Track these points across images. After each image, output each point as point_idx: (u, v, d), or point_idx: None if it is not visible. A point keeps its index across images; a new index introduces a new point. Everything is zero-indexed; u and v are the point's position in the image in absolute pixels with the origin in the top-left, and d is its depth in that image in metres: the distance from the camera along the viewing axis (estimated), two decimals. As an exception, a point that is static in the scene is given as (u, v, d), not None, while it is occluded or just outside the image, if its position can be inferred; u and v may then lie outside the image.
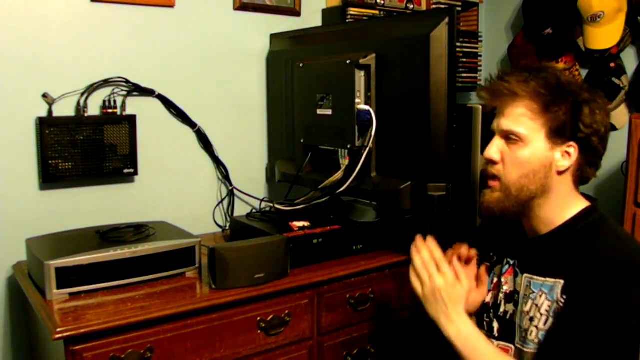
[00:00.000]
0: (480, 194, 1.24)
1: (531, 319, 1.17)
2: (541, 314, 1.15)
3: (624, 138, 1.76)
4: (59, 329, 1.16)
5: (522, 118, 1.15)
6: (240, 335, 1.39)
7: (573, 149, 1.15)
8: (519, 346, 1.20)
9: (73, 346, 1.18)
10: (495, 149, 1.19)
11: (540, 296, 1.16)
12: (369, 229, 1.66)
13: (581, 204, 1.20)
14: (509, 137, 1.17)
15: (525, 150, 1.15)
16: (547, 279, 1.17)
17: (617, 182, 1.95)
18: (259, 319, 1.41)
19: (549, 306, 1.14)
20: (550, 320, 1.13)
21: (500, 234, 1.33)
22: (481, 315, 1.32)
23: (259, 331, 1.41)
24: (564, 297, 1.12)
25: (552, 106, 1.13)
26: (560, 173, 1.16)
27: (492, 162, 1.20)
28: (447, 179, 1.47)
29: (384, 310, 1.63)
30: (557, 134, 1.14)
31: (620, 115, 2.11)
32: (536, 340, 1.15)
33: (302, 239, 1.54)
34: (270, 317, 1.42)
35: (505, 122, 1.17)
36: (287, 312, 1.45)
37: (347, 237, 1.62)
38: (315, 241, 1.56)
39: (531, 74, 1.17)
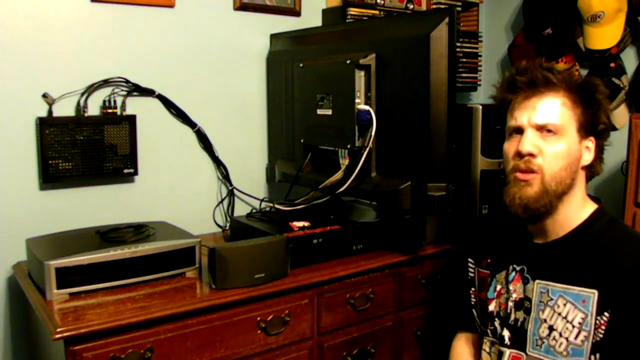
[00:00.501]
0: (508, 192, 1.20)
1: (551, 327, 1.15)
2: (573, 326, 1.13)
3: (624, 138, 1.76)
4: (59, 329, 1.16)
5: (560, 109, 1.16)
6: (240, 335, 1.39)
7: (591, 144, 1.19)
8: (534, 355, 1.18)
9: (73, 346, 1.18)
10: (530, 142, 1.17)
11: (565, 305, 1.14)
12: (369, 229, 1.66)
13: (590, 204, 1.22)
14: (544, 130, 1.17)
15: (563, 142, 1.16)
16: (571, 287, 1.15)
17: (617, 182, 1.95)
18: (259, 319, 1.41)
19: (582, 318, 1.12)
20: (584, 333, 1.12)
21: (499, 238, 1.31)
22: (485, 324, 1.31)
23: (259, 331, 1.41)
24: (608, 312, 1.10)
25: (583, 100, 1.17)
26: (583, 168, 1.19)
27: (530, 156, 1.17)
28: (447, 179, 1.47)
29: (384, 310, 1.63)
30: (584, 128, 1.17)
31: (620, 115, 2.11)
32: (565, 353, 1.13)
33: (302, 239, 1.54)
34: (270, 317, 1.42)
35: (541, 114, 1.17)
36: (287, 312, 1.45)
37: (347, 237, 1.62)
38: (315, 241, 1.56)
39: (551, 70, 1.20)
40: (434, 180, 1.47)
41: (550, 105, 1.17)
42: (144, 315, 1.24)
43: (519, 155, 1.18)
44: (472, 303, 1.38)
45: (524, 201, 1.17)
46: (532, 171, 1.17)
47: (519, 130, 1.20)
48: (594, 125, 1.18)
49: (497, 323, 1.27)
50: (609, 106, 1.21)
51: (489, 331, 1.29)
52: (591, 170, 1.22)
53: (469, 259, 1.40)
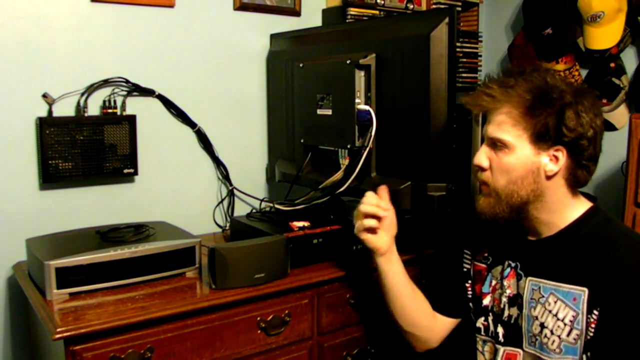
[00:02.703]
0: (475, 199, 1.24)
1: (542, 325, 1.16)
2: (565, 324, 1.13)
3: (624, 138, 1.76)
4: (59, 329, 1.16)
5: (504, 125, 1.15)
6: (241, 335, 1.39)
7: (560, 153, 1.13)
8: (530, 351, 1.19)
9: (73, 346, 1.18)
10: (483, 155, 1.20)
11: (556, 302, 1.15)
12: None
13: (583, 205, 1.20)
14: (495, 144, 1.17)
15: (511, 156, 1.15)
16: (562, 285, 1.15)
17: (617, 182, 1.95)
18: (259, 319, 1.41)
19: (573, 316, 1.12)
20: (575, 331, 1.12)
21: (497, 234, 1.31)
22: (476, 317, 1.32)
23: (259, 331, 1.41)
24: (597, 310, 1.10)
25: (533, 111, 1.12)
26: (549, 177, 1.15)
27: (480, 169, 1.20)
28: (447, 179, 1.47)
29: (384, 310, 1.62)
30: (541, 139, 1.13)
31: (620, 115, 2.11)
32: (558, 350, 1.14)
33: (302, 239, 1.54)
34: (270, 317, 1.42)
35: (490, 129, 1.18)
36: (287, 312, 1.45)
37: (347, 237, 1.61)
38: (315, 241, 1.56)
39: (516, 78, 1.16)
40: (434, 180, 1.47)
41: (497, 120, 1.16)
42: (144, 315, 1.24)
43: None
44: (469, 296, 1.37)
45: (478, 210, 1.22)
46: (484, 183, 1.20)
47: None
48: (557, 135, 1.12)
49: (490, 319, 1.28)
50: (588, 112, 1.11)
51: (481, 327, 1.29)
52: (570, 179, 1.16)
53: (465, 251, 1.40)
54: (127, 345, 1.24)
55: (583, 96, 1.14)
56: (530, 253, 1.23)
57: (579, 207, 1.19)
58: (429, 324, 1.39)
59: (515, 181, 1.15)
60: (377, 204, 1.32)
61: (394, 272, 1.37)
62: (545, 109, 1.12)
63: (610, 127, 2.11)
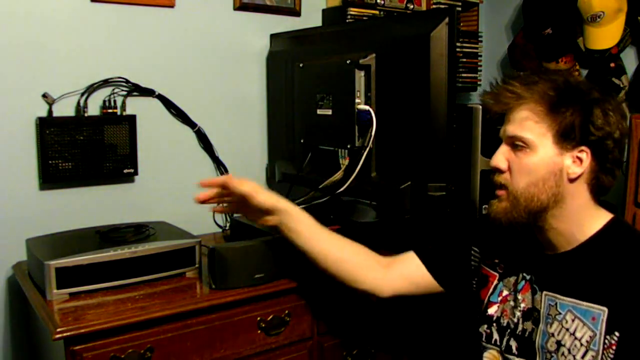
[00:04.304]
0: (488, 204, 1.18)
1: (559, 343, 1.09)
2: (581, 344, 1.06)
3: (624, 138, 1.76)
4: (59, 329, 1.16)
5: (526, 122, 1.08)
6: (241, 335, 1.39)
7: (585, 154, 1.07)
8: None
9: (73, 346, 1.18)
10: (502, 156, 1.12)
11: (573, 320, 1.08)
12: (369, 229, 1.66)
13: (603, 216, 1.13)
14: (515, 144, 1.10)
15: (533, 156, 1.08)
16: (580, 302, 1.08)
17: (617, 182, 1.95)
18: (259, 319, 1.41)
19: (590, 337, 1.06)
20: (591, 353, 1.05)
21: (512, 243, 1.24)
22: (479, 326, 1.26)
23: (259, 331, 1.41)
24: (618, 332, 1.03)
25: (559, 107, 1.06)
26: (572, 180, 1.08)
27: (498, 171, 1.13)
28: (447, 179, 1.47)
29: (384, 310, 1.62)
30: (566, 138, 1.06)
31: (620, 115, 2.11)
32: None
33: (302, 239, 1.53)
34: (270, 317, 1.42)
35: (510, 128, 1.10)
36: (287, 312, 1.45)
37: (347, 237, 1.61)
38: (315, 241, 1.55)
39: (539, 76, 1.11)
40: (434, 180, 1.47)
41: (519, 117, 1.09)
42: (144, 315, 1.24)
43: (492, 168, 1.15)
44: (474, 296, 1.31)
45: (492, 215, 1.14)
46: (501, 186, 1.13)
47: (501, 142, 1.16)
48: (583, 134, 1.06)
49: (494, 328, 1.22)
50: (615, 111, 1.08)
51: (483, 333, 1.24)
52: (594, 184, 1.09)
53: (474, 248, 1.32)
54: (127, 345, 1.24)
55: (610, 95, 1.10)
56: (547, 267, 1.16)
57: (600, 218, 1.12)
58: (375, 276, 1.33)
59: (536, 183, 1.08)
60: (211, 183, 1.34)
61: (305, 225, 1.33)
62: (572, 105, 1.06)
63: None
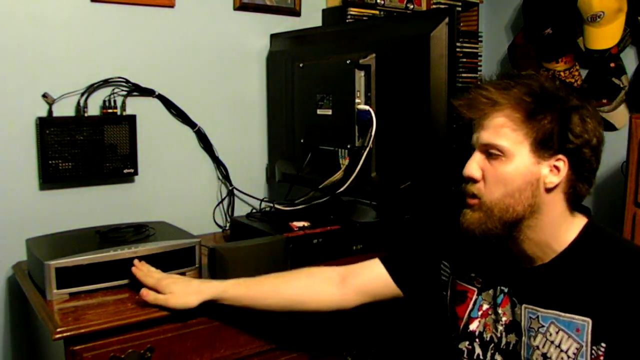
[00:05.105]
0: (461, 214, 1.10)
1: (545, 355, 1.07)
2: (568, 356, 1.04)
3: (624, 138, 1.76)
4: (59, 329, 1.16)
5: (503, 129, 1.03)
6: (241, 335, 1.39)
7: (562, 163, 1.03)
8: None
9: (73, 346, 1.18)
10: (475, 165, 1.08)
11: (557, 332, 1.05)
12: (369, 229, 1.66)
13: (578, 222, 1.09)
14: (490, 152, 1.05)
15: (508, 165, 1.03)
16: (562, 314, 1.05)
17: (617, 182, 1.95)
18: (259, 319, 1.41)
19: (577, 349, 1.03)
20: None
21: (487, 255, 1.20)
22: (459, 342, 1.22)
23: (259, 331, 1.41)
24: (604, 344, 1.01)
25: (536, 114, 1.02)
26: (548, 190, 1.04)
27: (472, 180, 1.08)
28: (447, 179, 1.47)
29: (384, 310, 1.62)
30: (544, 146, 1.02)
31: (620, 115, 2.11)
32: None
33: (302, 239, 1.54)
34: (270, 317, 1.42)
35: (485, 135, 1.06)
36: (287, 312, 1.45)
37: (347, 237, 1.62)
38: (315, 241, 1.56)
39: (514, 80, 1.07)
40: (434, 180, 1.47)
41: (495, 124, 1.04)
42: (144, 315, 1.24)
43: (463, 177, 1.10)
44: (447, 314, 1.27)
45: (465, 225, 1.09)
46: (474, 195, 1.08)
47: (474, 150, 1.11)
48: (561, 142, 1.02)
49: (476, 344, 1.19)
50: (592, 118, 1.04)
51: (465, 350, 1.20)
52: (570, 193, 1.06)
53: (444, 262, 1.27)
54: (127, 345, 1.23)
55: (587, 101, 1.06)
56: (525, 280, 1.12)
57: (575, 225, 1.09)
58: (332, 293, 1.30)
59: (512, 194, 1.04)
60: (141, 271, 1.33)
61: (241, 291, 1.29)
62: (550, 112, 1.02)
63: (610, 127, 2.11)
